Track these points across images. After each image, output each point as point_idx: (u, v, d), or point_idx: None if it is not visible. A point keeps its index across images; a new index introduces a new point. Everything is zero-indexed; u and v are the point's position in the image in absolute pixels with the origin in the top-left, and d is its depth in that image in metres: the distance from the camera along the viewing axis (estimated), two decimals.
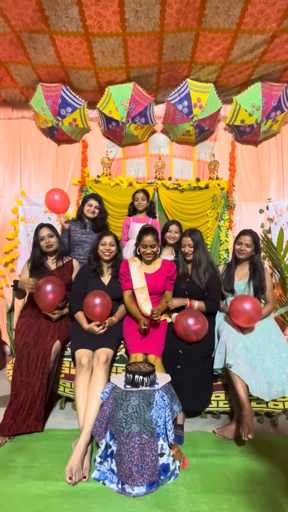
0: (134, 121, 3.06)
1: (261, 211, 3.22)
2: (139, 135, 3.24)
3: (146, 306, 1.83)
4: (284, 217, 3.14)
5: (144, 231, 1.88)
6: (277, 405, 1.72)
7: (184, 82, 2.86)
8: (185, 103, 2.91)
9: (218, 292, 1.87)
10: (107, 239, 1.93)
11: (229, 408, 1.75)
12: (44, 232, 1.98)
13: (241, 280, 1.90)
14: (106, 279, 1.95)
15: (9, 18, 2.17)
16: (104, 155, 3.38)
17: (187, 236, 1.91)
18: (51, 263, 2.02)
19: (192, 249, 1.88)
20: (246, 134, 3.18)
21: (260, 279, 1.84)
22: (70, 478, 1.18)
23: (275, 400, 1.69)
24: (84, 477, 1.22)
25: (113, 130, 3.20)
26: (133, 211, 2.75)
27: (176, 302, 1.78)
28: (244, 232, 1.91)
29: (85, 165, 3.35)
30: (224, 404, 1.75)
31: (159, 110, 3.29)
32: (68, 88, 2.94)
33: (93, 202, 2.42)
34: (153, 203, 2.87)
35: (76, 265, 2.07)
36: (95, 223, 2.44)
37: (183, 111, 2.96)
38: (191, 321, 1.62)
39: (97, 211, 2.43)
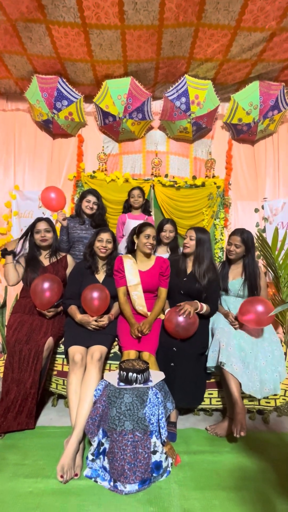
0: (131, 116, 3.03)
1: (256, 210, 3.24)
2: (136, 131, 3.21)
3: (140, 303, 1.81)
4: (279, 216, 3.16)
5: (147, 224, 1.91)
6: (268, 402, 1.74)
7: (182, 78, 2.83)
8: (183, 99, 2.89)
9: (218, 296, 1.86)
10: (104, 236, 1.90)
11: (221, 406, 1.76)
12: (42, 226, 1.94)
13: (235, 279, 1.91)
14: (100, 276, 1.93)
15: (4, 5, 2.11)
16: (100, 150, 3.34)
17: (191, 229, 1.88)
18: (44, 259, 1.98)
19: (193, 242, 1.83)
20: (243, 133, 3.18)
21: (254, 279, 1.85)
22: (62, 477, 1.17)
23: (267, 398, 1.71)
24: (76, 474, 1.21)
25: (110, 125, 3.16)
26: (128, 208, 2.72)
27: (190, 308, 1.66)
28: (234, 232, 1.90)
29: (80, 160, 3.31)
30: (217, 401, 1.76)
31: (156, 106, 3.26)
32: (64, 80, 2.88)
33: (91, 198, 2.37)
34: (148, 201, 2.85)
35: (70, 261, 2.04)
36: (94, 219, 2.40)
37: (181, 108, 2.94)
38: (180, 317, 1.62)
39: (95, 207, 2.39)
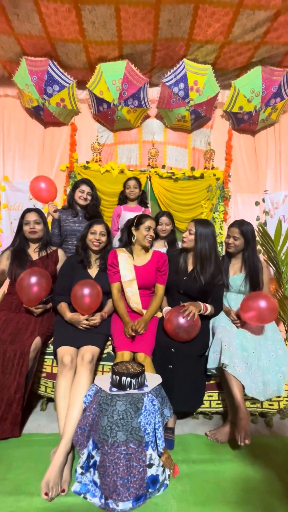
0: (126, 103, 2.87)
1: (257, 203, 3.12)
2: (131, 119, 3.05)
3: (134, 301, 1.69)
4: (280, 210, 3.05)
5: (145, 215, 1.79)
6: (272, 405, 1.64)
7: (180, 63, 2.68)
8: (181, 85, 2.74)
9: (222, 298, 1.71)
10: (98, 228, 1.77)
11: (222, 409, 1.65)
12: (31, 217, 1.81)
13: (236, 274, 1.79)
14: (93, 271, 1.79)
15: None
16: (94, 140, 3.18)
17: (192, 222, 1.69)
18: (33, 252, 1.84)
19: (191, 237, 1.65)
20: (244, 122, 3.04)
21: (256, 274, 1.73)
22: (46, 494, 1.05)
23: (270, 400, 1.61)
24: (63, 490, 1.09)
25: (104, 113, 3.00)
26: (123, 199, 2.58)
27: (195, 309, 1.51)
28: (233, 224, 1.78)
29: (73, 150, 3.15)
30: (217, 404, 1.65)
31: (153, 93, 3.10)
32: (55, 63, 2.71)
33: (85, 188, 2.22)
34: (145, 192, 2.72)
35: (61, 256, 1.91)
36: (87, 210, 2.24)
37: (179, 94, 2.79)
38: (182, 319, 1.49)
39: (89, 197, 2.23)
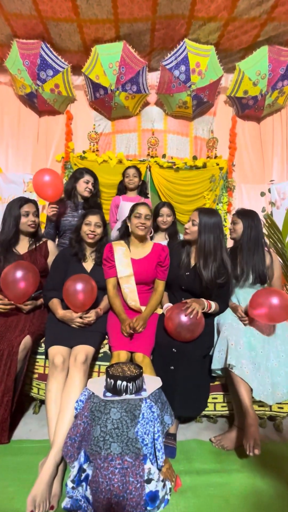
0: (124, 88, 2.72)
1: (262, 194, 2.97)
2: (130, 106, 2.90)
3: (132, 298, 1.56)
4: (287, 200, 2.90)
5: (137, 203, 1.65)
6: (281, 408, 1.51)
7: (181, 43, 2.52)
8: (182, 68, 2.58)
9: (229, 295, 1.57)
10: (93, 219, 1.64)
11: (227, 412, 1.53)
12: (31, 208, 1.67)
13: (240, 263, 1.66)
14: (88, 265, 1.67)
15: None
16: (91, 128, 3.04)
17: (196, 211, 1.53)
18: (21, 246, 1.71)
19: (194, 228, 1.49)
20: (248, 108, 2.88)
21: (260, 262, 1.60)
22: None
23: (279, 403, 1.48)
24: (52, 507, 0.98)
25: (101, 100, 2.85)
26: (122, 189, 2.45)
27: (198, 307, 1.38)
28: (234, 212, 1.71)
29: (69, 139, 3.01)
30: (222, 407, 1.53)
31: (153, 78, 2.94)
32: (48, 46, 2.55)
33: (90, 178, 2.02)
34: (145, 182, 2.58)
35: (52, 248, 1.78)
36: (88, 202, 2.06)
37: (180, 78, 2.63)
38: (184, 316, 1.36)
39: (93, 189, 2.05)
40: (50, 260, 1.72)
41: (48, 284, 1.59)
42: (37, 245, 1.73)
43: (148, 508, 0.94)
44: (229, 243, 1.87)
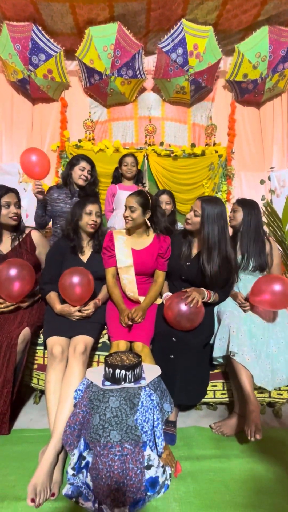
0: (120, 73, 2.63)
1: (262, 182, 2.92)
2: (126, 92, 2.81)
3: (130, 289, 1.54)
4: (287, 188, 2.85)
5: (132, 192, 1.58)
6: (281, 394, 1.52)
7: (178, 24, 2.42)
8: (180, 50, 2.49)
9: (231, 287, 1.53)
10: (94, 208, 1.56)
11: (227, 399, 1.54)
12: (12, 198, 1.54)
13: (240, 251, 1.65)
14: (85, 255, 1.63)
15: None
16: (87, 116, 2.96)
17: (198, 200, 1.45)
18: (4, 244, 1.59)
19: (197, 220, 1.43)
20: (248, 93, 2.79)
21: (259, 250, 1.59)
22: (33, 500, 0.94)
23: (278, 389, 1.49)
24: (53, 494, 0.98)
25: (96, 86, 2.76)
26: (118, 177, 2.38)
27: (198, 296, 1.36)
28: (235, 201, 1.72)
29: (64, 127, 2.93)
30: (222, 394, 1.54)
31: (149, 63, 2.84)
32: (39, 28, 2.45)
33: (86, 165, 1.93)
34: (141, 171, 2.51)
35: (37, 238, 1.66)
36: (84, 191, 1.97)
37: (177, 61, 2.54)
38: (183, 305, 1.34)
39: (89, 177, 1.97)
40: (38, 252, 1.64)
41: (45, 277, 1.55)
42: (21, 239, 1.61)
43: (149, 493, 0.95)
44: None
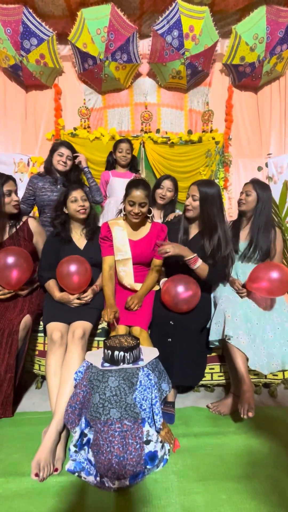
0: (114, 58, 2.56)
1: (259, 168, 2.90)
2: (121, 77, 2.75)
3: (127, 282, 1.55)
4: (285, 175, 2.83)
5: (134, 183, 1.47)
6: (276, 375, 1.56)
7: (174, 5, 2.35)
8: (175, 33, 2.42)
9: (227, 268, 1.50)
10: (77, 194, 1.54)
11: (224, 381, 1.58)
12: (12, 186, 1.54)
13: (247, 239, 1.63)
14: (81, 243, 1.63)
15: None
16: (82, 103, 2.90)
17: (194, 185, 1.46)
18: (1, 231, 1.57)
19: (196, 204, 1.42)
20: (245, 76, 2.74)
21: (267, 238, 1.56)
22: (37, 475, 0.98)
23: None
24: (56, 469, 1.02)
25: (90, 71, 2.70)
26: (112, 164, 2.30)
27: (172, 249, 1.36)
28: (249, 181, 1.63)
29: (59, 115, 2.88)
30: (219, 376, 1.58)
31: (144, 47, 2.77)
32: (30, 11, 2.38)
33: (64, 151, 1.93)
34: (135, 157, 2.42)
35: (34, 226, 1.64)
36: (68, 178, 1.97)
37: (173, 45, 2.48)
38: (180, 288, 1.36)
39: (69, 162, 1.96)
40: (35, 240, 1.64)
41: (43, 265, 1.55)
42: (18, 227, 1.60)
43: (148, 466, 0.99)
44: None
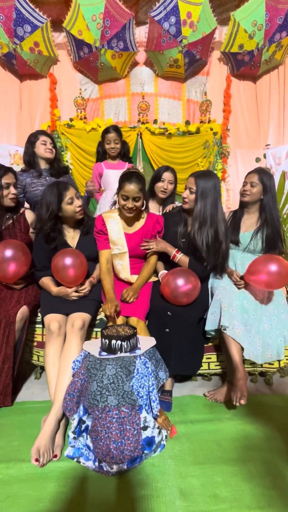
0: (110, 45, 2.51)
1: (257, 159, 2.88)
2: (118, 66, 2.70)
3: (124, 275, 1.56)
4: (283, 166, 2.82)
5: (127, 176, 1.41)
6: (272, 364, 1.58)
7: None
8: (173, 19, 2.37)
9: (212, 259, 1.45)
10: (71, 193, 1.44)
11: (220, 370, 1.61)
12: (11, 179, 1.52)
13: (248, 231, 1.61)
14: (74, 240, 1.56)
15: None
16: (77, 93, 2.85)
17: (192, 177, 1.43)
18: None
19: (193, 196, 1.40)
20: (244, 65, 2.70)
21: (275, 230, 1.53)
22: (37, 460, 1.00)
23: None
24: (55, 456, 1.05)
25: (86, 60, 2.64)
26: (103, 154, 2.19)
27: (155, 246, 1.49)
28: (252, 171, 1.58)
29: (54, 106, 2.83)
30: (216, 365, 1.60)
31: (141, 34, 2.71)
32: None
33: (46, 138, 1.85)
34: (126, 143, 2.26)
35: (30, 218, 1.62)
36: (53, 167, 1.90)
37: (170, 32, 2.42)
38: (180, 281, 1.36)
39: (54, 149, 1.89)
40: (32, 231, 1.62)
41: (36, 264, 1.51)
42: (14, 218, 1.58)
43: (145, 451, 1.01)
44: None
